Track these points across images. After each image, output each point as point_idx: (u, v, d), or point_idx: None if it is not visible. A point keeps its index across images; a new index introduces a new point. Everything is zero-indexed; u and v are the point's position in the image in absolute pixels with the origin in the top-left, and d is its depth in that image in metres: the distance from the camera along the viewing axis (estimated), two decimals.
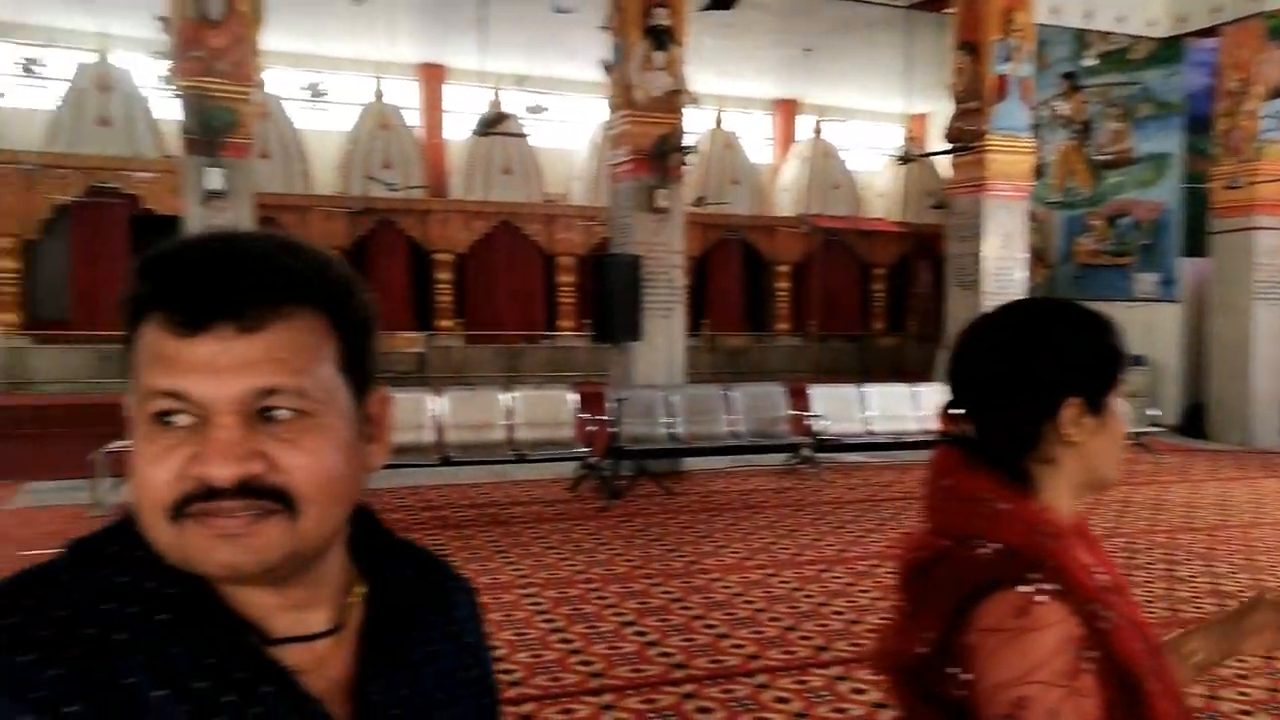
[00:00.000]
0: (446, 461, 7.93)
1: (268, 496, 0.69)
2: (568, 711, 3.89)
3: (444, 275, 17.70)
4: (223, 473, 0.68)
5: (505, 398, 8.66)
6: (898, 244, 21.14)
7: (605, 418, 8.70)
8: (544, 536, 6.86)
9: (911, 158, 17.96)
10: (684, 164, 9.94)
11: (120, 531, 0.75)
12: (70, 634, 0.68)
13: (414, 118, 19.44)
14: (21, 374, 14.91)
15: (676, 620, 5.01)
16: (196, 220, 8.23)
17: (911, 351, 19.74)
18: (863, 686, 4.11)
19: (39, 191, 14.90)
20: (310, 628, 0.77)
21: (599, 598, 5.40)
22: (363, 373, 0.77)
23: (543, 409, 8.68)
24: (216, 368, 0.69)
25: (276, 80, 16.92)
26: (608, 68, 9.94)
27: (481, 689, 0.91)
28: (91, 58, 16.38)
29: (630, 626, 4.91)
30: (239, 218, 8.35)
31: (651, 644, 4.66)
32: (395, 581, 0.84)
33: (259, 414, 0.70)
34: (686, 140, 9.94)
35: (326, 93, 19.53)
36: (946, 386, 1.22)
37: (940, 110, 15.89)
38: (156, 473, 0.69)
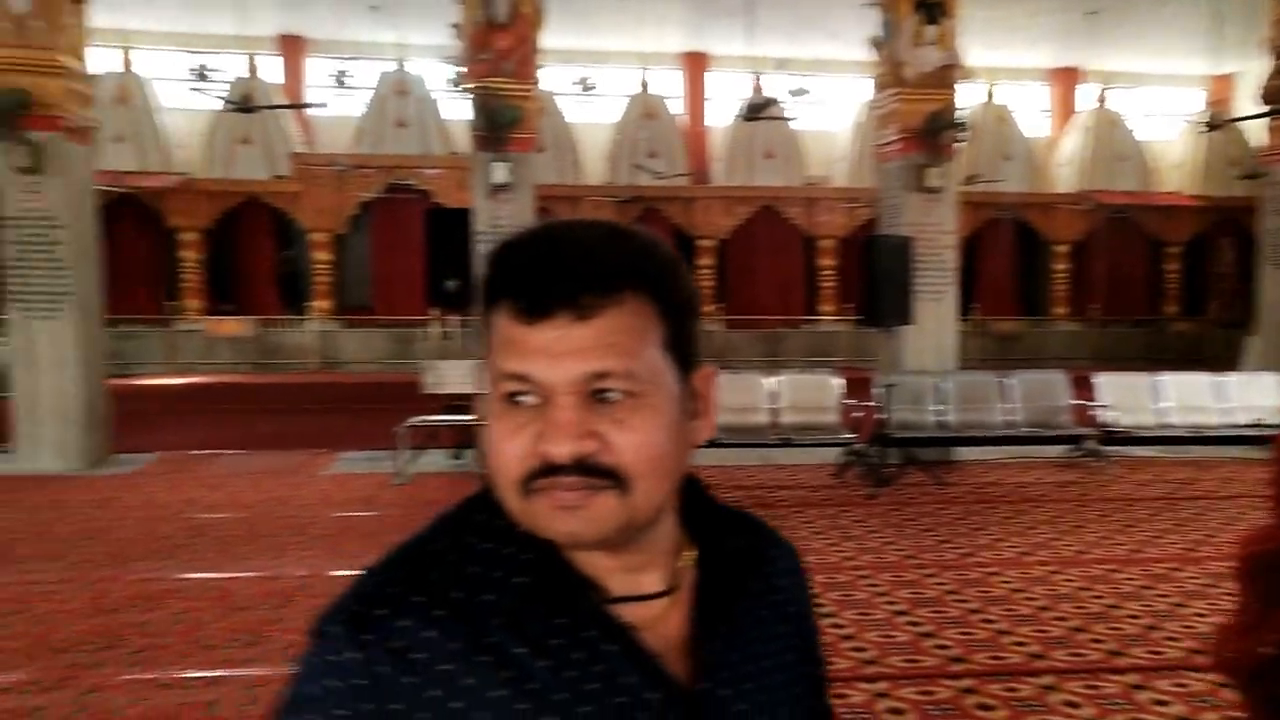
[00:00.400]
0: (712, 443, 8.06)
1: (600, 474, 0.75)
2: (841, 696, 3.88)
3: (706, 261, 17.99)
4: (561, 450, 0.74)
5: (769, 382, 8.69)
6: (1195, 220, 19.25)
7: (872, 403, 8.55)
8: (810, 521, 6.85)
9: (1219, 123, 16.23)
10: (957, 141, 9.55)
11: (481, 502, 0.83)
12: (441, 599, 0.77)
13: (677, 106, 19.85)
14: (333, 355, 16.68)
15: (952, 613, 4.87)
16: (484, 213, 8.85)
17: (1212, 338, 17.95)
18: (1164, 698, 3.82)
19: (348, 190, 16.56)
20: (644, 589, 0.82)
21: (869, 585, 5.34)
22: (687, 352, 0.81)
23: (807, 393, 8.65)
24: (555, 353, 0.74)
25: (550, 76, 17.82)
26: (877, 45, 9.70)
27: (805, 657, 0.93)
28: (391, 66, 17.96)
29: (902, 616, 4.82)
30: (521, 209, 8.91)
31: (926, 635, 4.55)
32: (723, 548, 0.88)
33: (593, 395, 0.75)
34: (959, 116, 9.54)
35: (595, 86, 20.34)
36: None
37: (1253, 69, 14.27)
38: (508, 448, 0.76)
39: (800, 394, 8.63)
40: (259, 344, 16.54)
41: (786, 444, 8.34)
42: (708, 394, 0.84)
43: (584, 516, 0.75)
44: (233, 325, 16.56)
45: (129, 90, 17.19)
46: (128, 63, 17.42)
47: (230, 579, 5.48)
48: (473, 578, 0.79)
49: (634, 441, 0.75)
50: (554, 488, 0.74)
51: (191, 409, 13.14)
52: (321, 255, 16.87)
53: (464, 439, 8.82)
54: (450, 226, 8.84)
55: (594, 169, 18.85)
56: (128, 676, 4.12)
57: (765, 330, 17.87)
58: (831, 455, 8.48)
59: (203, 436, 10.40)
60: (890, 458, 8.27)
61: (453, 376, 8.71)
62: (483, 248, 8.64)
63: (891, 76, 9.53)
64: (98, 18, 9.09)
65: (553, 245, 0.77)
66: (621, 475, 0.75)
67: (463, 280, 8.66)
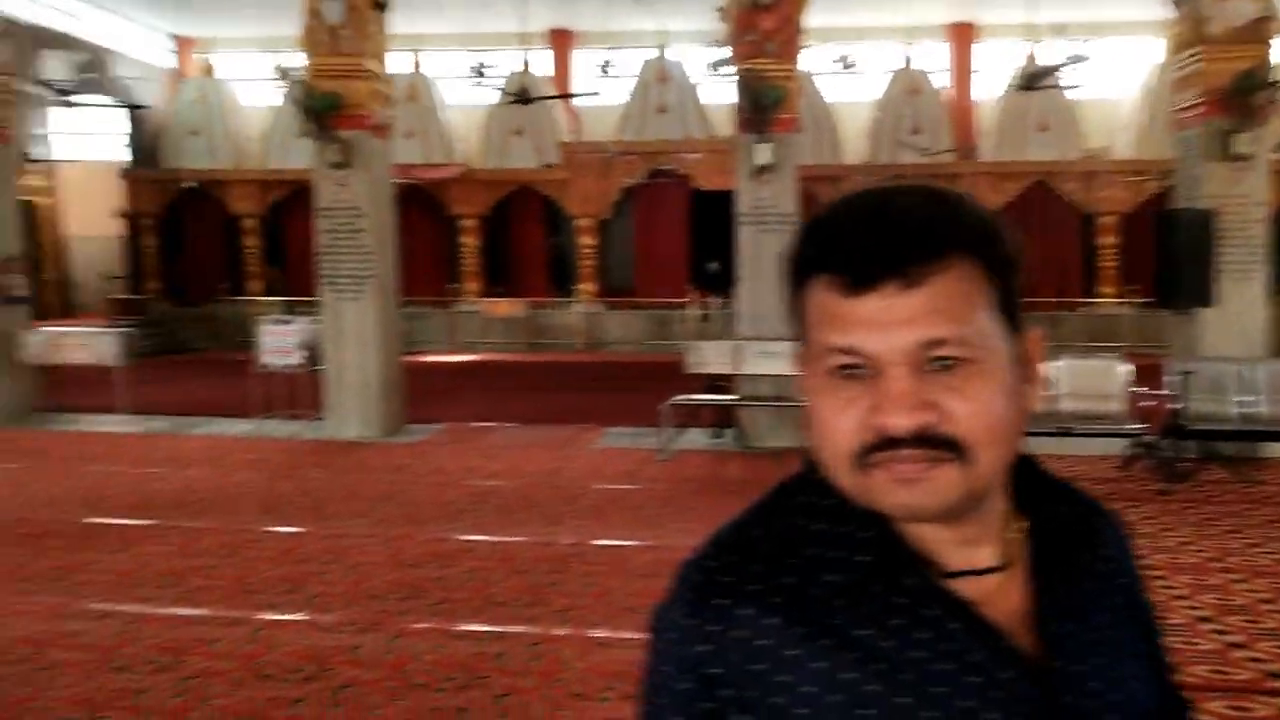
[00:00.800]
0: None
1: (941, 445, 0.72)
2: None
3: None
4: (900, 423, 0.72)
5: (1048, 368, 8.18)
6: None
7: (1164, 392, 7.85)
8: None
9: None
10: (1272, 102, 8.55)
11: (804, 482, 0.82)
12: (777, 584, 0.77)
13: (942, 80, 19.03)
14: (598, 335, 17.37)
15: (1268, 624, 4.40)
16: (746, 194, 8.86)
17: None
18: None
19: (612, 176, 17.14)
20: (978, 562, 0.79)
21: (1164, 587, 4.92)
22: (1014, 314, 0.77)
23: (1089, 380, 8.05)
24: (884, 323, 0.72)
25: (809, 55, 17.55)
26: (1176, 1, 8.84)
27: (1143, 630, 0.89)
28: (653, 54, 18.38)
29: (1207, 623, 4.41)
30: (783, 190, 8.85)
31: (1236, 645, 4.14)
32: (1052, 518, 0.84)
33: (927, 364, 0.73)
34: (1274, 74, 8.53)
35: (855, 64, 19.86)
36: None
37: None
38: (839, 423, 0.74)
39: (1081, 380, 8.05)
40: (530, 324, 17.50)
41: (1065, 433, 7.80)
42: (1037, 357, 0.81)
43: (925, 489, 0.73)
44: (506, 306, 17.61)
45: (417, 89, 18.61)
46: (417, 64, 18.86)
47: (510, 542, 5.85)
48: (809, 559, 0.78)
49: (973, 409, 0.73)
50: (893, 461, 0.73)
51: (471, 384, 14.12)
52: (587, 240, 17.57)
53: (724, 418, 8.93)
54: (713, 209, 8.96)
55: (852, 148, 18.44)
56: (427, 625, 4.51)
57: (1039, 313, 16.81)
58: (1115, 447, 7.88)
59: (481, 410, 11.14)
60: (1185, 451, 7.57)
61: (714, 357, 8.82)
62: (745, 230, 8.68)
63: (1193, 34, 8.65)
64: (394, 24, 9.90)
65: (872, 214, 0.75)
66: (962, 445, 0.73)
67: (724, 262, 8.76)
